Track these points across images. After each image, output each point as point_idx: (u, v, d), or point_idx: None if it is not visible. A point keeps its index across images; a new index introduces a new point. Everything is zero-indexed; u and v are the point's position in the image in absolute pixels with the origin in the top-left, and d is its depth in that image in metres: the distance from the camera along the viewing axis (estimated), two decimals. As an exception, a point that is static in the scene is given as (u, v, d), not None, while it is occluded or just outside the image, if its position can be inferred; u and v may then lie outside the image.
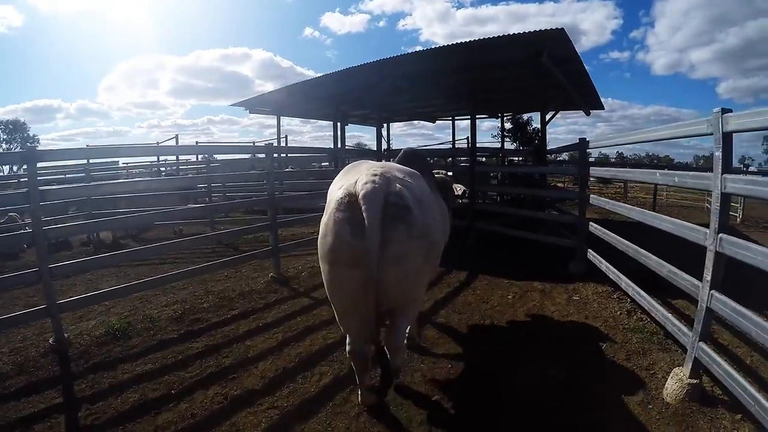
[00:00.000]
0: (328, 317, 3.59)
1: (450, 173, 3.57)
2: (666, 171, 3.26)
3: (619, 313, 3.75)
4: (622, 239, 3.64)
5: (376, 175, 1.97)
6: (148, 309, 3.95)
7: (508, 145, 7.74)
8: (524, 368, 2.84)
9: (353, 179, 1.99)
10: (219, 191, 9.44)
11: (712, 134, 2.21)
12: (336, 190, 2.06)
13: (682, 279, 2.59)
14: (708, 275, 2.25)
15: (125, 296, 4.02)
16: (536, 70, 5.94)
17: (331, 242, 1.93)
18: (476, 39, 5.15)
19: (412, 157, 2.87)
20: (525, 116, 7.95)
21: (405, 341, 2.39)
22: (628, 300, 3.93)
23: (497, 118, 12.96)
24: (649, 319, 3.54)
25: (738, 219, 9.95)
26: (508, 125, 7.99)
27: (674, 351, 3.01)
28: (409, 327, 2.46)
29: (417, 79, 7.05)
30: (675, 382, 2.49)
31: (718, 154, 2.16)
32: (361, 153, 9.24)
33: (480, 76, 6.74)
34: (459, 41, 5.37)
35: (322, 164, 11.54)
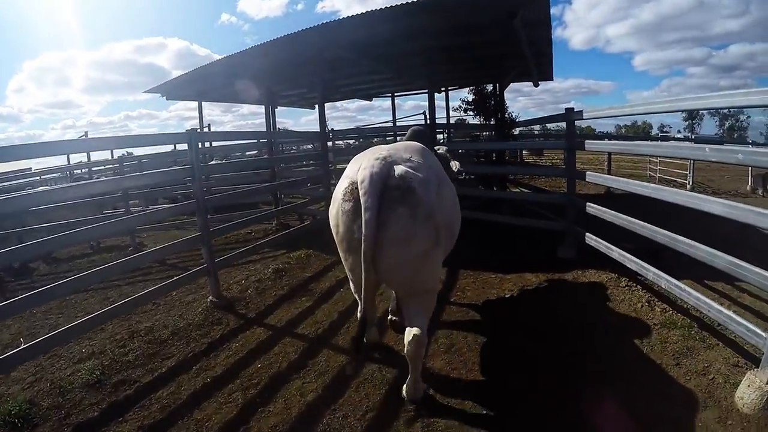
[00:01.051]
0: (296, 356, 2.88)
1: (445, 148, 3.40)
2: (721, 146, 2.83)
3: (639, 305, 3.38)
4: (644, 223, 3.26)
5: (378, 159, 2.00)
6: (57, 371, 2.92)
7: (470, 119, 7.24)
8: (570, 393, 2.31)
9: (357, 166, 2.07)
10: (139, 195, 7.88)
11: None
12: (342, 179, 2.15)
13: (751, 273, 2.23)
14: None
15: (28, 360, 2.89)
16: (505, 35, 5.43)
17: (341, 233, 2.07)
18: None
19: (417, 136, 2.96)
20: (488, 87, 7.41)
21: (425, 339, 2.15)
22: (639, 287, 3.65)
23: (441, 92, 12.31)
24: (672, 310, 3.24)
25: (688, 186, 10.53)
26: (470, 97, 7.38)
27: (719, 347, 2.72)
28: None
29: (365, 49, 6.21)
30: (753, 391, 2.15)
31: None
32: (304, 136, 8.27)
33: (438, 44, 6.07)
34: (421, -1, 4.60)
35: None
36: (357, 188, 1.94)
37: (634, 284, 3.73)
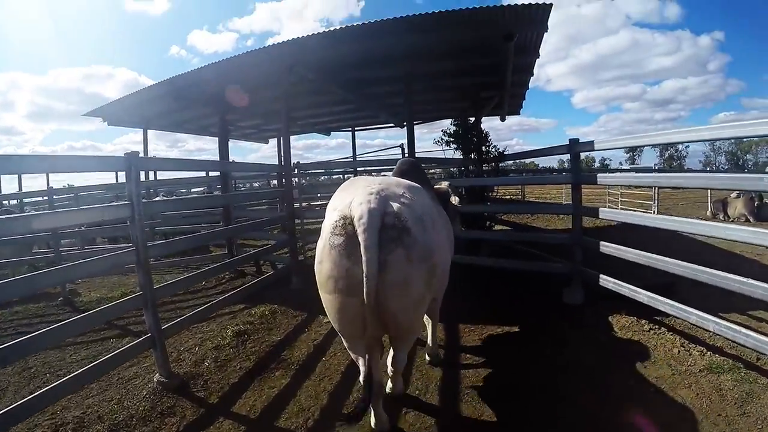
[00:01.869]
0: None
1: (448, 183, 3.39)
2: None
3: (676, 350, 3.07)
4: (678, 261, 2.96)
5: (372, 193, 1.93)
6: None
7: (451, 153, 6.92)
8: None
9: (348, 199, 1.96)
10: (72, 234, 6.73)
11: None
12: (331, 212, 2.05)
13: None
14: None
15: None
16: (493, 61, 5.18)
17: (328, 270, 1.91)
18: (437, 12, 4.07)
19: (410, 169, 2.86)
20: (470, 119, 7.15)
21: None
22: (665, 330, 3.39)
23: (402, 127, 12.04)
24: (709, 351, 3.00)
25: (654, 211, 10.84)
26: (451, 128, 7.04)
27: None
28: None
29: (333, 73, 5.73)
30: None
31: None
32: (266, 169, 7.50)
33: (419, 69, 5.68)
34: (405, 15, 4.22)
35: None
36: (350, 223, 1.85)
37: (657, 326, 3.46)
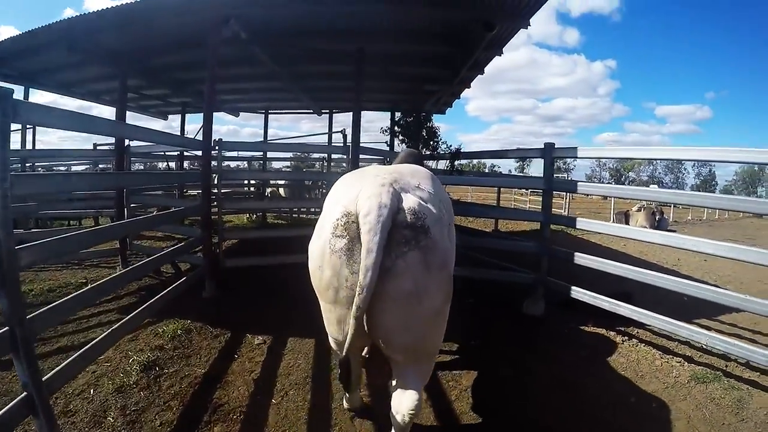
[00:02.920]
0: None
1: None
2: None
3: (658, 362, 3.14)
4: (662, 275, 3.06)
5: (383, 185, 1.67)
6: None
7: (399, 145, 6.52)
8: None
9: (354, 191, 1.70)
10: None
11: None
12: (332, 206, 1.78)
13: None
14: None
15: None
16: (455, 51, 4.89)
17: (328, 278, 1.67)
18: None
19: (416, 158, 2.69)
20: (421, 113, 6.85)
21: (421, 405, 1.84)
22: (636, 341, 3.45)
23: (320, 115, 10.82)
24: (685, 362, 3.10)
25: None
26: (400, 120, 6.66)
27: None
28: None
29: (277, 36, 4.87)
30: None
31: None
32: (178, 141, 6.22)
33: (377, 48, 5.10)
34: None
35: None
36: (354, 221, 1.61)
37: (627, 338, 3.52)
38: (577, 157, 3.74)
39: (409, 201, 1.66)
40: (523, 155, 3.82)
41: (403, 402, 1.78)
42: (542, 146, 3.93)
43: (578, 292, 3.68)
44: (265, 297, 4.29)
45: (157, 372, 2.78)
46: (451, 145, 6.61)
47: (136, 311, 2.97)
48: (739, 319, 3.89)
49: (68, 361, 2.18)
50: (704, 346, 2.98)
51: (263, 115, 10.90)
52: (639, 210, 10.34)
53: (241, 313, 3.85)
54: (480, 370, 2.95)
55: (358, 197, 1.66)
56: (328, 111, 10.74)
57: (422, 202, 1.70)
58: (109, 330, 2.60)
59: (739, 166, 55.92)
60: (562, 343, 3.46)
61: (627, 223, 11.20)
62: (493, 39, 4.41)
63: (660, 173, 65.99)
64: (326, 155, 10.20)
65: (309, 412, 2.44)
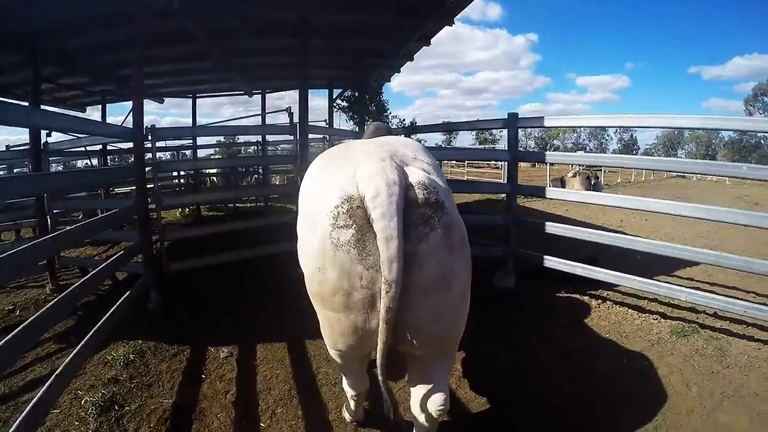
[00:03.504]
0: None
1: None
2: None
3: (639, 322, 3.26)
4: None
5: (384, 159, 1.47)
6: None
7: (345, 123, 6.19)
8: None
9: (348, 171, 1.48)
10: None
11: None
12: (320, 192, 1.55)
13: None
14: None
15: None
16: (403, 21, 4.63)
17: (334, 280, 1.42)
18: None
19: (388, 131, 2.48)
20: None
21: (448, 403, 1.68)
22: (611, 303, 3.56)
23: (251, 96, 10.12)
24: (660, 318, 3.27)
25: None
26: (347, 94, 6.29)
27: (741, 336, 2.91)
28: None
29: (212, 6, 4.33)
30: None
31: None
32: (101, 129, 5.41)
33: (320, 16, 4.65)
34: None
35: None
36: (360, 206, 1.39)
37: (602, 301, 3.61)
38: (543, 127, 3.75)
39: (416, 175, 1.48)
40: (485, 127, 3.77)
41: (432, 399, 1.64)
42: (506, 116, 3.87)
43: (552, 261, 3.70)
44: (220, 300, 3.88)
45: (118, 412, 2.33)
46: (403, 119, 6.44)
47: (81, 344, 2.43)
48: (695, 273, 4.18)
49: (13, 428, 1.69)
50: (685, 302, 3.14)
51: (190, 100, 9.96)
52: (574, 176, 10.82)
53: (196, 323, 3.41)
54: (470, 352, 2.86)
55: (355, 177, 1.44)
56: (260, 92, 10.06)
57: (428, 175, 1.52)
58: (55, 374, 2.07)
59: (660, 131, 61.49)
60: (542, 313, 3.49)
61: (563, 188, 11.91)
62: (449, 7, 4.23)
63: (584, 140, 70.05)
64: (261, 138, 9.57)
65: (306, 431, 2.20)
